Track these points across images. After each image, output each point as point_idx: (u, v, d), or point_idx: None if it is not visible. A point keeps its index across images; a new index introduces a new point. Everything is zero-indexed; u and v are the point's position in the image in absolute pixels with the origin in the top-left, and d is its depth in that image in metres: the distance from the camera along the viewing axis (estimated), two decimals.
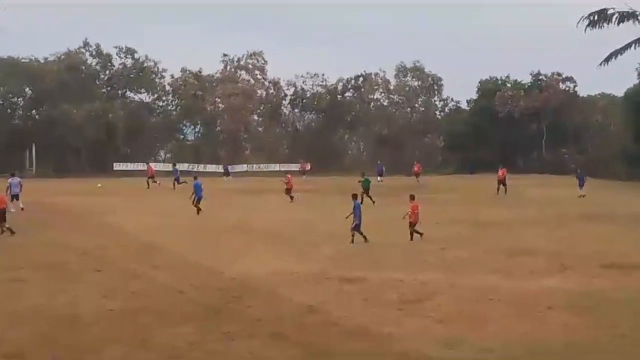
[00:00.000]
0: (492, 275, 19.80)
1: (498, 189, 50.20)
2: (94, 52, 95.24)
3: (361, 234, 26.18)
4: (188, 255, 23.28)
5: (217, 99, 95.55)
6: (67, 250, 24.22)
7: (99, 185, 56.09)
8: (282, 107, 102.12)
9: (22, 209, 37.28)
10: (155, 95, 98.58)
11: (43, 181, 60.38)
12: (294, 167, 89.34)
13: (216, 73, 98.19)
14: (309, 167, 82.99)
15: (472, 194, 51.03)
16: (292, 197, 45.37)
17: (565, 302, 16.32)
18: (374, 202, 41.41)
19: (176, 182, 57.23)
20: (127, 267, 20.80)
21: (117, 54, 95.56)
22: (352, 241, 25.99)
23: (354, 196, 27.40)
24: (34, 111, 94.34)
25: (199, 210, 37.09)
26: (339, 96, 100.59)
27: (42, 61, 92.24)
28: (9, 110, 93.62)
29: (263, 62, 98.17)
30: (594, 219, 34.57)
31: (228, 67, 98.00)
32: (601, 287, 18.10)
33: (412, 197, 28.02)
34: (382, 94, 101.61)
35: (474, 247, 25.27)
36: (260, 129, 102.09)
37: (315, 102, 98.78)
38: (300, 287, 18.02)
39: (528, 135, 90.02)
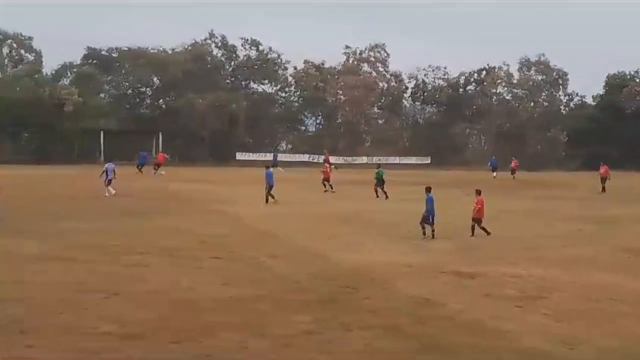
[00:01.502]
0: (613, 273, 19.27)
1: (603, 188, 49.04)
2: (219, 44, 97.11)
3: (432, 227, 25.55)
4: (304, 244, 23.54)
5: (338, 91, 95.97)
6: (188, 236, 24.79)
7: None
8: (403, 100, 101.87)
9: (115, 194, 39.15)
10: (278, 87, 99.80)
11: (168, 169, 61.90)
12: (414, 159, 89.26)
13: (338, 65, 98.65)
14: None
15: (595, 190, 49.70)
16: (325, 186, 45.32)
17: None
18: (378, 195, 41.27)
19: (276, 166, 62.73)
20: (245, 255, 21.13)
21: (241, 46, 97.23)
22: (424, 233, 25.46)
23: (428, 189, 26.78)
24: (160, 100, 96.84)
25: (267, 198, 37.17)
26: (460, 89, 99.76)
27: (169, 52, 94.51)
28: (137, 99, 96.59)
29: (385, 54, 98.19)
30: None
31: (350, 59, 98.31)
32: None
33: (478, 192, 27.22)
34: (505, 88, 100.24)
35: (596, 244, 24.70)
36: (380, 121, 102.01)
37: (437, 96, 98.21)
38: (416, 279, 17.94)
39: None
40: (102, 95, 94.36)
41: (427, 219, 25.76)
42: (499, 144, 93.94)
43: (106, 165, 41.05)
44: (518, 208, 36.76)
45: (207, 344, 12.17)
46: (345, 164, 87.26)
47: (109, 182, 39.92)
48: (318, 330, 13.08)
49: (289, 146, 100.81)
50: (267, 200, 37.11)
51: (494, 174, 63.95)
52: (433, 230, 25.58)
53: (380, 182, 41.95)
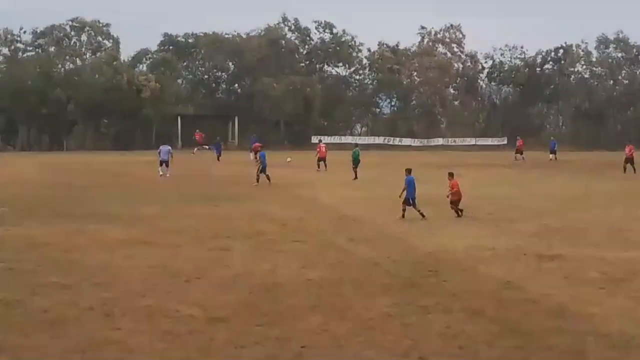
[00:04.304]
0: None
1: (625, 168, 47.04)
2: (292, 27, 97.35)
3: (418, 210, 25.31)
4: (382, 228, 23.52)
5: (413, 73, 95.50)
6: (268, 220, 24.95)
7: (289, 159, 57.26)
8: (479, 81, 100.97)
9: (161, 175, 41.24)
10: (352, 69, 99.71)
11: (245, 154, 62.45)
12: (490, 141, 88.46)
13: (412, 46, 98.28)
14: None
15: None
16: (319, 166, 47.48)
17: None
18: (356, 176, 41.21)
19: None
20: (325, 239, 21.19)
21: (315, 29, 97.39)
22: (403, 216, 25.25)
23: (408, 171, 26.45)
24: (236, 85, 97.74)
25: (258, 177, 37.99)
26: (537, 69, 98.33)
27: (243, 36, 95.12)
28: (213, 84, 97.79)
29: (461, 35, 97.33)
30: None
31: (425, 40, 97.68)
32: None
33: (450, 175, 26.94)
34: (583, 67, 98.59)
35: None
36: (456, 102, 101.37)
37: (514, 75, 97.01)
38: (497, 263, 17.74)
39: None
40: (178, 81, 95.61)
41: (409, 200, 25.50)
42: (578, 123, 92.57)
43: (161, 147, 42.85)
44: (600, 189, 36.11)
45: (289, 326, 12.25)
46: (421, 146, 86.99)
47: (162, 164, 41.74)
48: (399, 314, 13.05)
49: (364, 129, 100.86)
50: (257, 180, 37.95)
51: (551, 156, 63.09)
52: (404, 210, 25.35)
53: (355, 162, 42.12)
